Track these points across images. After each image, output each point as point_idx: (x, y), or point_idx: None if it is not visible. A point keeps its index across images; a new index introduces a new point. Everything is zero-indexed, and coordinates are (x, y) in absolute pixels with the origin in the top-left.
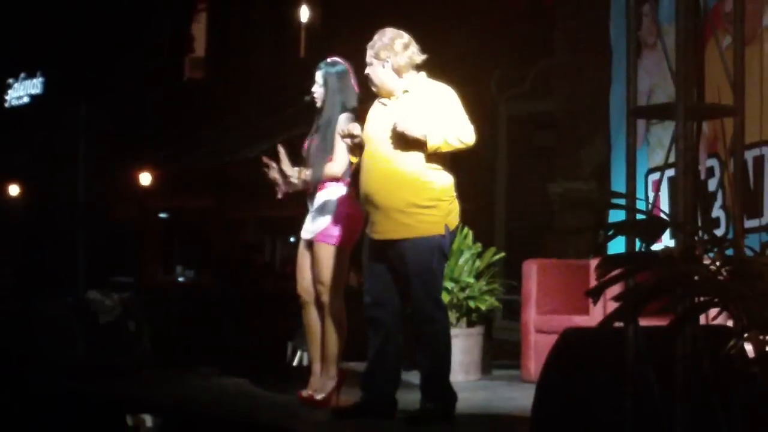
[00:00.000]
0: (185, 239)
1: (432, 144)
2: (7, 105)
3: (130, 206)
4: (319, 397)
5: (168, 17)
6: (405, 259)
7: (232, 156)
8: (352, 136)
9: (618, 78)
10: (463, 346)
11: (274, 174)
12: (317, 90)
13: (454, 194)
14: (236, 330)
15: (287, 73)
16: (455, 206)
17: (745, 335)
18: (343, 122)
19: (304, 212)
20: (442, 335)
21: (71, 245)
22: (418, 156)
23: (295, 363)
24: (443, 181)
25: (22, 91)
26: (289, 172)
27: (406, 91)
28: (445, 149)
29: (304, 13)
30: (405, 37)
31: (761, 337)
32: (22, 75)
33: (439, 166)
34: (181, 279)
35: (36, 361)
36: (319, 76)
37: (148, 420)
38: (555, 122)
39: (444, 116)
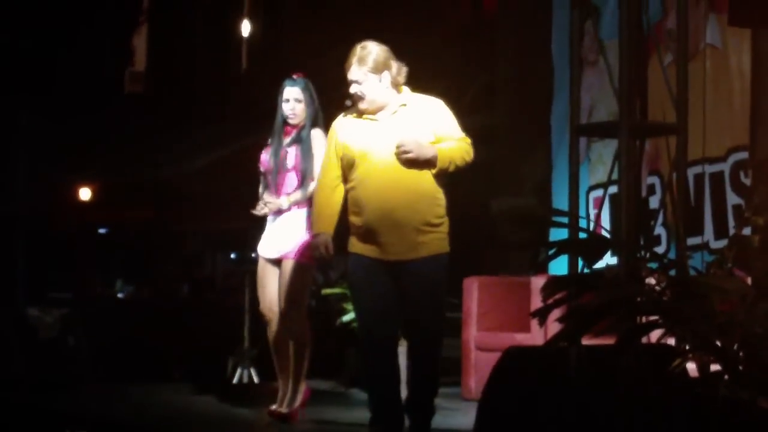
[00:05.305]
0: (125, 253)
1: (440, 166)
2: None
3: (69, 220)
4: (285, 411)
5: (108, 30)
6: (418, 278)
7: (174, 169)
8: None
9: (560, 94)
10: (403, 362)
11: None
12: (296, 106)
13: None
14: (176, 345)
15: (229, 86)
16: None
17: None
18: (322, 137)
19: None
20: (441, 354)
21: (9, 259)
22: (426, 174)
23: (235, 380)
24: (445, 198)
25: None
26: (278, 203)
27: (403, 105)
28: (451, 169)
29: (246, 27)
30: (389, 49)
31: (704, 358)
32: None
33: (442, 184)
34: (120, 294)
35: None
36: (297, 92)
37: None
38: (496, 136)
39: (446, 134)
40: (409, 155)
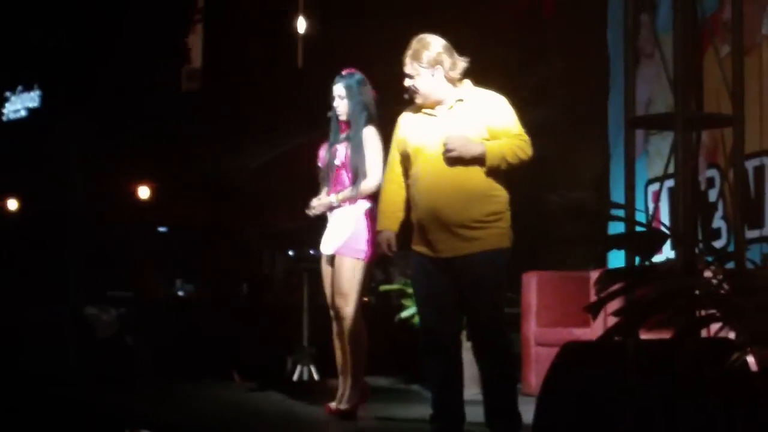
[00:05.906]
0: (184, 252)
1: (490, 164)
2: (4, 119)
3: (128, 219)
4: (344, 408)
5: (163, 29)
6: (472, 274)
7: (231, 167)
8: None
9: (616, 87)
10: (467, 359)
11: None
12: (340, 103)
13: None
14: (235, 344)
15: (284, 83)
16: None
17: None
18: (373, 135)
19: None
20: (510, 351)
21: (65, 258)
22: (478, 171)
23: (294, 377)
24: (505, 193)
25: (20, 104)
26: (326, 202)
27: (460, 100)
28: (504, 167)
29: (302, 24)
30: (446, 43)
31: (764, 351)
32: (19, 88)
33: (500, 179)
34: (180, 293)
35: (28, 373)
36: (340, 88)
37: None
38: (553, 131)
39: (501, 130)
40: (452, 153)
